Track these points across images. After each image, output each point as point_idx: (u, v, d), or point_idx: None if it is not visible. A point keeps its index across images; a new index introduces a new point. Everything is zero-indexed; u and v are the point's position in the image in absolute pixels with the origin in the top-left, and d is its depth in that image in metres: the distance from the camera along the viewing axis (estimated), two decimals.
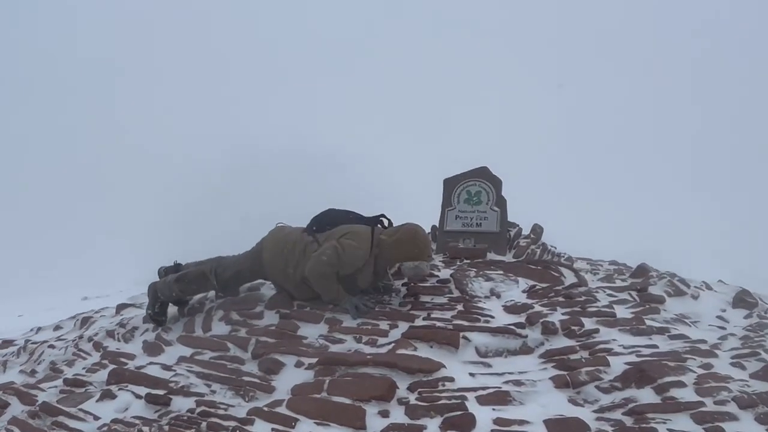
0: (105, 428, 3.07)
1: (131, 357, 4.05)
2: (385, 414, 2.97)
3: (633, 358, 3.43)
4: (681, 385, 3.11)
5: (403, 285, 4.42)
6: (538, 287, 4.38)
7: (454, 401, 3.01)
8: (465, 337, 3.57)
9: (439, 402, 3.00)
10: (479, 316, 3.81)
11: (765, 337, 3.92)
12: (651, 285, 4.72)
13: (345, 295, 4.01)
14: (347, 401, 3.03)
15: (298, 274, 4.00)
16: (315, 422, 2.96)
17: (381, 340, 3.63)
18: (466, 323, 3.73)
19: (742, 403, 2.94)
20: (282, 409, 3.06)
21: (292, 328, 3.84)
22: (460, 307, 3.94)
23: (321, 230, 4.06)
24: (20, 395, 3.56)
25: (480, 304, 4.00)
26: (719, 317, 4.49)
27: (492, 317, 3.81)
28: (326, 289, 3.96)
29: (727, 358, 3.52)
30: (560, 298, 4.13)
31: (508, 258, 5.39)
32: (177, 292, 4.38)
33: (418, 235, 3.97)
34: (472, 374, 3.31)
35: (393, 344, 3.53)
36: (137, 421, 3.08)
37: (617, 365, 3.33)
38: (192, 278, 4.32)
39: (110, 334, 4.57)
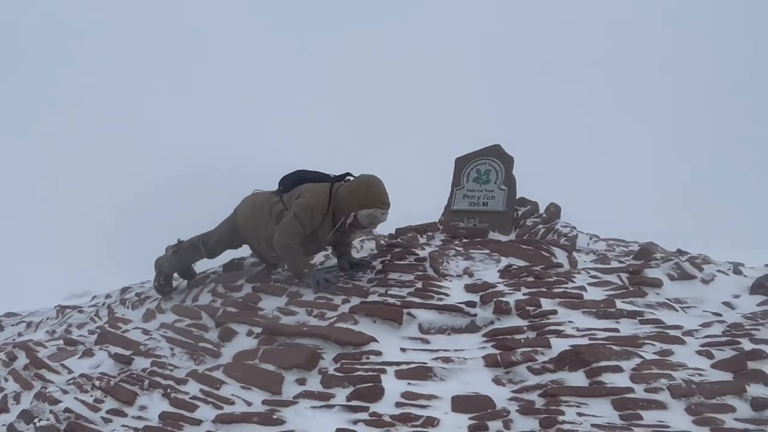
0: (72, 381, 3.47)
1: (128, 322, 4.47)
2: (302, 382, 3.10)
3: (583, 341, 3.27)
4: (617, 370, 2.95)
5: (380, 262, 4.47)
6: (513, 267, 4.24)
7: (370, 373, 3.06)
8: (409, 314, 3.57)
9: (356, 373, 3.07)
10: (433, 294, 3.78)
11: (762, 326, 3.53)
12: (651, 267, 4.38)
13: (311, 268, 4.16)
14: (272, 368, 3.19)
15: (266, 235, 4.21)
16: (240, 386, 3.16)
17: (329, 314, 3.73)
18: (417, 300, 3.72)
19: (677, 392, 2.74)
20: (217, 373, 3.29)
21: (254, 300, 4.05)
22: (419, 285, 3.93)
23: (287, 190, 4.23)
24: (27, 350, 4.09)
25: (441, 283, 3.96)
26: (726, 303, 4.09)
27: (446, 295, 3.77)
28: (292, 261, 4.12)
29: (696, 346, 3.24)
30: (530, 278, 3.99)
31: (509, 237, 5.24)
32: (175, 263, 4.78)
33: (372, 183, 4.02)
34: (403, 349, 3.33)
35: (336, 318, 3.62)
36: (97, 376, 3.45)
37: (560, 347, 3.19)
38: (185, 249, 4.70)
39: (122, 302, 5.07)
